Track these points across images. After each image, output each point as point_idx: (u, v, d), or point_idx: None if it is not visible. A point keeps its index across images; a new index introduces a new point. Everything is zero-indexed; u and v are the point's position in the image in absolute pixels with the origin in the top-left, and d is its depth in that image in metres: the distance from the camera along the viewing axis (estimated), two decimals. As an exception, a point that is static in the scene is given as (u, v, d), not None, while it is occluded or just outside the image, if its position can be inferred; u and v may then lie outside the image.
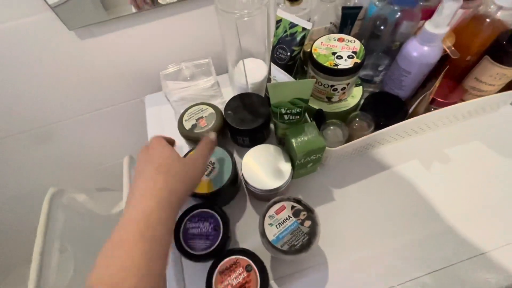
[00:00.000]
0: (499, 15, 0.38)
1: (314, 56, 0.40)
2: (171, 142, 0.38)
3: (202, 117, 0.47)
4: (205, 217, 0.37)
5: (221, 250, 0.35)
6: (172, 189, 0.29)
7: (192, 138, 0.46)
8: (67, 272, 0.67)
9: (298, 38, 0.40)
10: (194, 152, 0.35)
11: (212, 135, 0.37)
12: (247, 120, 0.45)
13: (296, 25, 0.40)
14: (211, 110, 0.48)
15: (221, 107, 0.48)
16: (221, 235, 0.36)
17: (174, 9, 0.51)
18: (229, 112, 0.46)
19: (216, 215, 0.37)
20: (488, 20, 0.39)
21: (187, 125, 0.46)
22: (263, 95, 0.52)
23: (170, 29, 0.54)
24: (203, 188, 0.39)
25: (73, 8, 0.45)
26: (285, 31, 0.41)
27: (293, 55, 0.42)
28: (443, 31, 0.36)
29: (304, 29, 0.39)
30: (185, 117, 0.47)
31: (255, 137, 0.47)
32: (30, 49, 0.49)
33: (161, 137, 0.36)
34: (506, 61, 0.38)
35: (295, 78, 0.47)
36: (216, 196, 0.39)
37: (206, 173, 0.41)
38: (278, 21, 0.41)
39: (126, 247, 0.24)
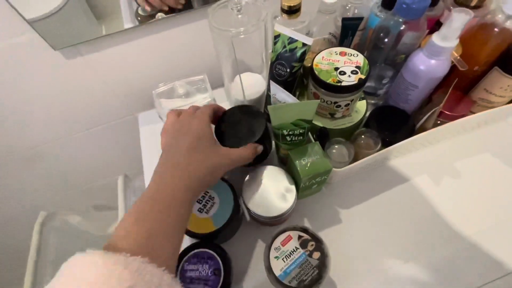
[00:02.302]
0: (508, 24, 0.36)
1: (316, 72, 0.38)
2: (215, 115, 0.37)
3: None
4: (204, 258, 0.34)
5: None
6: (200, 177, 0.29)
7: None
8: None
9: (298, 54, 0.38)
10: (231, 150, 0.33)
11: (260, 148, 0.37)
12: (243, 136, 0.37)
13: (296, 40, 0.37)
14: None
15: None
16: (221, 281, 0.33)
17: (164, 24, 0.49)
18: (220, 131, 0.39)
19: (216, 256, 0.34)
20: (496, 29, 0.37)
21: None
22: (262, 111, 0.50)
23: (161, 45, 0.51)
24: (202, 228, 0.36)
25: (58, 26, 0.43)
26: (284, 47, 0.39)
27: (293, 71, 0.39)
28: (453, 44, 0.34)
29: (304, 44, 0.37)
30: None
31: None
32: (15, 70, 0.47)
33: (208, 108, 0.35)
34: (517, 73, 0.37)
35: (294, 92, 0.44)
36: (218, 235, 0.36)
37: (205, 209, 0.37)
38: (277, 36, 0.39)
39: (151, 215, 0.25)
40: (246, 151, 0.34)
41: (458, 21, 0.31)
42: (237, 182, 0.40)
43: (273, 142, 0.47)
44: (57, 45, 0.45)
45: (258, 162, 0.41)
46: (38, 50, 0.44)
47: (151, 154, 0.53)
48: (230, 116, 0.39)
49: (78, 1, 0.42)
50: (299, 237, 0.33)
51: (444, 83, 0.40)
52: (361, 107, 0.44)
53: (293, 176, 0.39)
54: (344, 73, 0.37)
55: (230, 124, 0.38)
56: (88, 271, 0.19)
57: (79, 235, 0.73)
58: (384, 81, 0.45)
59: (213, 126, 0.37)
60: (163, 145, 0.33)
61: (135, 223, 0.24)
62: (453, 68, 0.39)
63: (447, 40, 0.34)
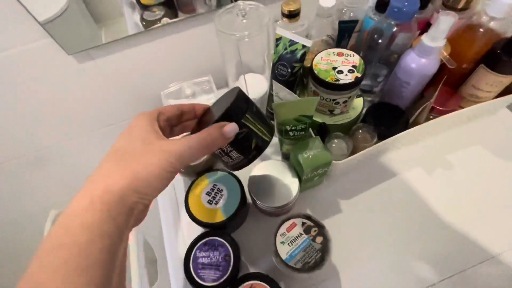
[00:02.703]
0: (492, 25, 0.39)
1: (315, 71, 0.41)
2: (180, 114, 0.27)
3: None
4: (215, 246, 0.37)
5: (232, 281, 0.35)
6: (109, 185, 0.20)
7: (187, 171, 0.44)
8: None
9: (299, 55, 0.41)
10: (175, 141, 0.23)
11: (229, 128, 0.25)
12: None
13: (296, 42, 0.40)
14: None
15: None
16: (231, 266, 0.35)
17: (169, 29, 0.51)
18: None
19: (226, 243, 0.37)
20: (481, 30, 0.40)
21: None
22: (264, 110, 0.53)
23: (168, 49, 0.54)
24: (212, 218, 0.39)
25: (69, 31, 0.45)
26: (285, 48, 0.42)
27: (294, 71, 0.42)
28: (441, 44, 0.37)
29: (304, 46, 0.40)
30: None
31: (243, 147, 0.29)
32: (28, 74, 0.49)
33: (156, 109, 0.26)
34: (501, 70, 0.40)
35: (295, 91, 0.47)
36: (227, 224, 0.39)
37: (214, 201, 0.40)
38: (278, 39, 0.42)
39: (42, 256, 0.18)
40: (199, 137, 0.24)
41: (444, 23, 0.34)
42: (243, 176, 0.42)
43: (277, 138, 0.50)
44: (70, 50, 0.47)
45: (256, 155, 0.30)
46: (52, 55, 0.47)
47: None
48: (216, 104, 0.31)
49: (81, 9, 0.44)
50: (303, 223, 0.36)
51: (435, 80, 0.43)
52: (358, 104, 0.46)
53: (296, 168, 0.41)
54: (342, 72, 0.40)
55: (214, 112, 0.29)
56: None
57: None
58: (379, 79, 0.48)
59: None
60: None
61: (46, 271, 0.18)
62: (443, 66, 0.42)
63: (436, 40, 0.37)
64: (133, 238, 0.59)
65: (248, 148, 0.28)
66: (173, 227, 0.46)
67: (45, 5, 0.42)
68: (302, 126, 0.39)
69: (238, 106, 0.26)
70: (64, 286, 0.18)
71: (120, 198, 0.20)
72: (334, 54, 0.42)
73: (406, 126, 0.44)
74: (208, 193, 0.41)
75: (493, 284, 0.38)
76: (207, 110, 0.30)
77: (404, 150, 0.50)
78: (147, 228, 0.64)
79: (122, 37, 0.49)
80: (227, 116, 0.25)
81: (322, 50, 0.43)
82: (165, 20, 0.51)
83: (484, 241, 0.40)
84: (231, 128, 0.25)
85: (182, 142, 0.23)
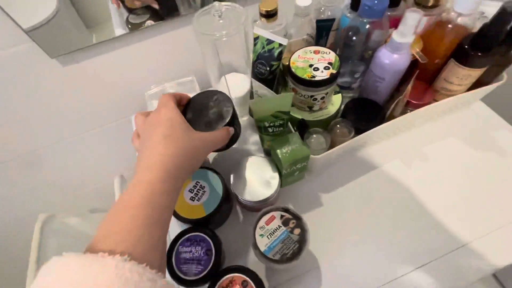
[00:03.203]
0: (460, 21, 0.41)
1: (292, 69, 0.42)
2: (181, 103, 0.36)
3: None
4: (197, 241, 0.38)
5: (214, 274, 0.35)
6: (178, 164, 0.28)
7: None
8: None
9: (276, 54, 0.42)
10: (206, 134, 0.33)
11: (231, 130, 0.37)
12: (213, 121, 0.37)
13: (273, 41, 0.42)
14: None
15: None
16: (212, 259, 0.36)
17: (153, 31, 0.52)
18: (187, 118, 0.37)
19: (208, 238, 0.37)
20: (450, 26, 0.41)
21: None
22: (247, 109, 0.54)
23: (152, 50, 0.55)
24: (195, 214, 0.39)
25: (53, 35, 0.46)
26: (263, 47, 0.43)
27: (272, 69, 0.43)
28: (409, 39, 0.38)
29: (280, 44, 0.41)
30: None
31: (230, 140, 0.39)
32: (12, 78, 0.50)
33: (171, 96, 0.34)
34: (469, 63, 0.41)
35: (277, 88, 0.48)
36: (209, 220, 0.40)
37: (197, 198, 0.41)
38: (256, 38, 0.43)
39: (130, 211, 0.24)
40: (219, 134, 0.35)
41: (411, 19, 0.36)
42: (225, 172, 0.43)
43: (258, 135, 0.51)
44: (53, 53, 0.48)
45: (230, 145, 0.41)
46: (35, 59, 0.47)
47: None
48: (195, 102, 0.38)
49: (69, 12, 0.45)
50: (281, 216, 0.37)
51: (410, 75, 0.45)
52: (337, 100, 0.48)
53: (276, 164, 0.42)
54: (318, 69, 0.42)
55: (197, 111, 0.38)
56: (64, 274, 0.19)
57: (78, 237, 0.76)
58: (356, 75, 0.49)
59: None
60: (136, 147, 0.33)
61: (113, 221, 0.23)
62: (416, 61, 0.44)
63: (405, 36, 0.38)
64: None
65: (231, 140, 0.39)
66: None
67: (32, 12, 0.43)
68: (280, 122, 0.40)
69: (235, 114, 0.38)
70: (147, 233, 0.24)
71: (186, 174, 0.30)
72: (311, 52, 0.44)
73: (382, 120, 0.46)
74: (190, 190, 0.42)
75: (466, 270, 0.39)
76: (189, 101, 0.39)
77: (383, 144, 0.51)
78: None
79: (107, 39, 0.50)
80: (231, 121, 0.37)
81: (299, 49, 0.45)
82: (150, 22, 0.52)
83: (458, 230, 0.42)
84: (232, 131, 0.37)
85: (212, 136, 0.34)
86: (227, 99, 0.38)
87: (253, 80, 0.44)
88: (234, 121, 0.38)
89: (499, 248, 0.40)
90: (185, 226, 0.40)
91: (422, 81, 0.48)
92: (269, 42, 0.42)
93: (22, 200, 0.74)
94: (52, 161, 0.69)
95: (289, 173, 0.43)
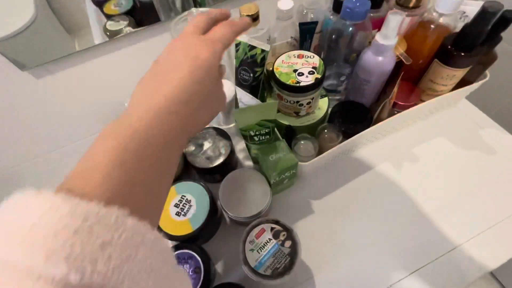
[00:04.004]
0: (442, 20, 0.41)
1: (277, 75, 0.41)
2: (221, 18, 0.28)
3: None
4: (185, 259, 0.36)
5: None
6: (200, 122, 0.24)
7: None
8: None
9: (259, 60, 0.41)
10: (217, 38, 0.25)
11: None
12: (213, 157, 0.43)
13: (255, 47, 0.40)
14: None
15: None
16: (201, 278, 0.34)
17: (132, 38, 0.50)
18: (191, 148, 0.45)
19: (196, 255, 0.36)
20: (432, 26, 0.41)
21: None
22: (233, 116, 0.52)
23: (131, 58, 0.53)
24: (181, 230, 0.38)
25: (24, 47, 0.43)
26: (245, 53, 0.42)
27: (256, 75, 0.42)
28: (393, 42, 0.38)
29: (263, 50, 0.40)
30: None
31: (226, 170, 0.43)
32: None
33: (227, 38, 0.26)
34: (453, 63, 0.41)
35: (263, 94, 0.47)
36: (197, 236, 0.38)
37: (183, 213, 0.39)
38: (237, 44, 0.42)
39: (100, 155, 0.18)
40: (235, 25, 0.27)
41: (393, 21, 0.35)
42: (212, 186, 0.42)
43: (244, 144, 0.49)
44: (25, 65, 0.45)
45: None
46: (4, 72, 0.45)
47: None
48: None
49: (47, 19, 0.43)
50: (272, 228, 0.35)
51: (396, 77, 0.44)
52: (323, 104, 0.47)
53: (265, 173, 0.41)
54: (302, 74, 0.40)
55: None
56: (42, 216, 0.13)
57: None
58: (342, 78, 0.49)
59: None
60: (161, 55, 0.26)
61: (113, 162, 0.17)
62: (401, 62, 0.43)
63: (388, 38, 0.37)
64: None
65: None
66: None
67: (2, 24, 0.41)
68: (266, 131, 0.39)
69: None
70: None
71: (199, 126, 0.25)
72: (295, 57, 0.43)
73: (370, 123, 0.45)
74: (176, 205, 0.40)
75: (462, 271, 0.39)
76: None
77: (371, 147, 0.51)
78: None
79: (83, 48, 0.47)
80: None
81: (283, 53, 0.43)
82: (128, 29, 0.50)
83: (451, 231, 0.42)
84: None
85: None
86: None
87: (237, 88, 0.43)
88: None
89: (493, 246, 0.40)
90: (172, 243, 0.38)
91: (408, 82, 0.48)
92: (252, 48, 0.41)
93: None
94: (34, 176, 0.65)
95: (278, 182, 0.42)
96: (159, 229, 0.38)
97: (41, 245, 0.12)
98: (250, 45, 0.41)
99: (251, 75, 0.42)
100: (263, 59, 0.41)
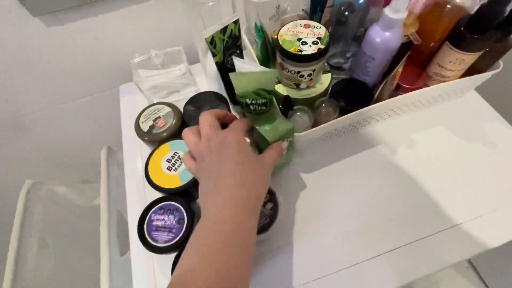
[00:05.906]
0: (459, 1, 0.39)
1: (280, 42, 0.40)
2: (223, 118, 0.35)
3: (159, 117, 0.45)
4: (170, 210, 0.37)
5: (184, 242, 0.35)
6: (256, 193, 0.28)
7: (151, 140, 0.44)
8: (46, 266, 0.67)
9: (237, 32, 0.40)
10: (266, 155, 0.32)
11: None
12: None
13: (226, 26, 0.38)
14: (167, 109, 0.46)
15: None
16: (184, 228, 0.36)
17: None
18: (190, 109, 0.46)
19: (181, 207, 0.37)
20: (449, 6, 0.39)
21: (145, 127, 0.45)
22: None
23: (141, 16, 0.53)
24: (170, 183, 0.39)
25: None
26: (223, 40, 0.40)
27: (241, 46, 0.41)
28: (403, 16, 0.36)
29: (235, 22, 0.39)
30: (141, 119, 0.46)
31: None
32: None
33: (244, 123, 0.34)
34: (464, 47, 0.39)
35: (268, 65, 0.47)
36: (184, 191, 0.39)
37: (173, 168, 0.40)
38: (211, 41, 0.38)
39: (216, 248, 0.23)
40: (275, 152, 0.34)
41: (404, -7, 0.34)
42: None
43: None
44: (36, 12, 0.46)
45: None
46: (17, 16, 0.46)
47: (129, 125, 0.55)
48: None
49: None
50: (256, 190, 0.36)
51: (403, 57, 0.43)
52: (326, 80, 0.46)
53: (261, 145, 0.41)
54: (306, 43, 0.40)
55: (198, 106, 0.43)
56: None
57: (65, 205, 0.76)
58: (348, 55, 0.48)
59: None
60: (195, 169, 0.31)
61: (203, 259, 0.22)
62: (411, 43, 0.42)
63: (398, 12, 0.36)
64: (105, 211, 0.59)
65: None
66: (136, 193, 0.47)
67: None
68: (263, 101, 0.39)
69: None
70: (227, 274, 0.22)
71: (260, 200, 0.29)
72: (301, 26, 0.42)
73: (370, 102, 0.44)
74: (168, 160, 0.41)
75: (444, 252, 0.39)
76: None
77: (370, 129, 0.50)
78: (120, 201, 0.64)
79: (90, 1, 0.48)
80: None
81: (290, 22, 0.43)
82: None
83: (438, 215, 0.42)
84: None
85: (271, 156, 0.33)
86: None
87: (234, 58, 0.42)
88: None
89: (477, 235, 0.40)
90: (159, 194, 0.39)
91: (416, 65, 0.47)
92: (224, 31, 0.38)
93: (8, 168, 0.74)
94: (41, 128, 0.68)
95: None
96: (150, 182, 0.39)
97: None
98: (220, 30, 0.38)
99: (238, 51, 0.42)
100: (239, 28, 0.40)
